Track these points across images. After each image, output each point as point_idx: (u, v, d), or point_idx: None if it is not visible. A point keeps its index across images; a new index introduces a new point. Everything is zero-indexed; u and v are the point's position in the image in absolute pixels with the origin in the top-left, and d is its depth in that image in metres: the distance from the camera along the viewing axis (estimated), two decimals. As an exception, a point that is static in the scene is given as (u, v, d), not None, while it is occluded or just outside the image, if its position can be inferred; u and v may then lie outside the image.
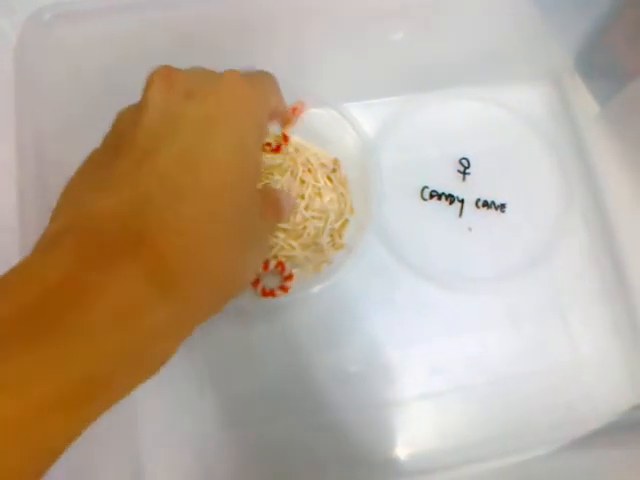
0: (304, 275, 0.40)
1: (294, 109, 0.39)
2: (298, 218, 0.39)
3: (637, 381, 0.41)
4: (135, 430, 0.38)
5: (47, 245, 0.22)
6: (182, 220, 0.22)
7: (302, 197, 0.40)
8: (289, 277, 0.39)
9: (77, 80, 0.36)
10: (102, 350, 0.19)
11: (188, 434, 0.38)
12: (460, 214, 0.43)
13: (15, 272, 0.20)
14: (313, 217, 0.40)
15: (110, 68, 0.36)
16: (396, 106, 0.45)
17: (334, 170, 0.42)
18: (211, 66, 0.28)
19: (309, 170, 0.41)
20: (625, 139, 0.43)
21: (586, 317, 0.42)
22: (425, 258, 0.41)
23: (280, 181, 0.39)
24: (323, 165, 0.41)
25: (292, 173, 0.40)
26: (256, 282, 0.39)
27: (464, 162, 0.44)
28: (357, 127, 0.41)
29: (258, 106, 0.26)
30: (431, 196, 0.43)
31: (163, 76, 0.25)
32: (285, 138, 0.39)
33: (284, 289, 0.39)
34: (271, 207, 0.31)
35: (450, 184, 0.43)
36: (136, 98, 0.28)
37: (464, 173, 0.44)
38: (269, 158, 0.40)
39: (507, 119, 0.45)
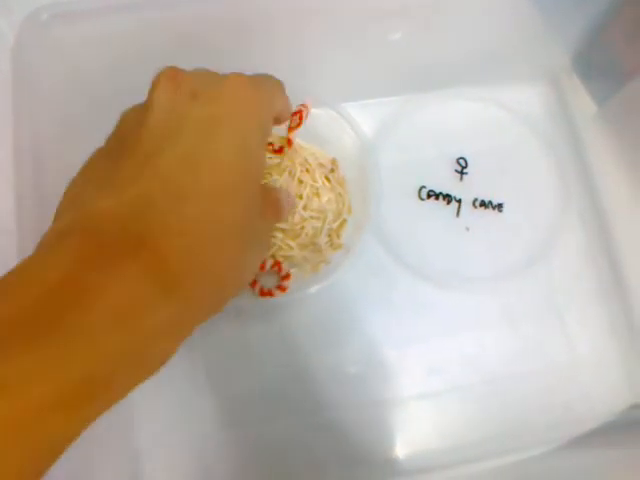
0: (302, 275, 0.40)
1: (299, 113, 0.39)
2: (296, 218, 0.39)
3: (634, 381, 0.41)
4: (134, 430, 0.38)
5: (48, 245, 0.22)
6: (184, 222, 0.22)
7: (300, 197, 0.40)
8: (286, 277, 0.39)
9: (75, 80, 0.36)
10: (102, 350, 0.19)
11: (187, 434, 0.38)
12: (457, 214, 0.43)
13: (16, 272, 0.20)
14: (311, 217, 0.40)
15: (108, 68, 0.36)
16: (394, 106, 0.45)
17: (332, 170, 0.42)
18: (209, 66, 0.27)
19: (307, 170, 0.41)
20: (623, 139, 0.43)
21: (583, 317, 0.42)
22: (423, 258, 0.41)
23: (278, 181, 0.39)
24: (321, 165, 0.41)
25: (290, 173, 0.40)
26: (254, 282, 0.39)
27: (461, 162, 0.44)
28: (355, 127, 0.41)
29: (262, 108, 0.26)
30: (429, 196, 0.43)
31: (169, 77, 0.25)
32: (289, 142, 0.39)
33: (282, 289, 0.39)
34: (271, 207, 0.31)
35: (447, 184, 0.43)
36: (134, 98, 0.28)
37: (461, 173, 0.44)
38: (268, 158, 0.40)
39: (505, 119, 0.45)
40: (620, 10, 0.41)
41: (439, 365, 0.40)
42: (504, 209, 0.43)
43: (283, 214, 0.33)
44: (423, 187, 0.43)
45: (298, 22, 0.40)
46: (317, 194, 0.40)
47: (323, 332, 0.40)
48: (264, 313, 0.40)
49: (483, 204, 0.43)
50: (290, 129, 0.38)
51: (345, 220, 0.41)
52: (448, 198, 0.43)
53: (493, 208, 0.43)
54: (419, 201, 0.43)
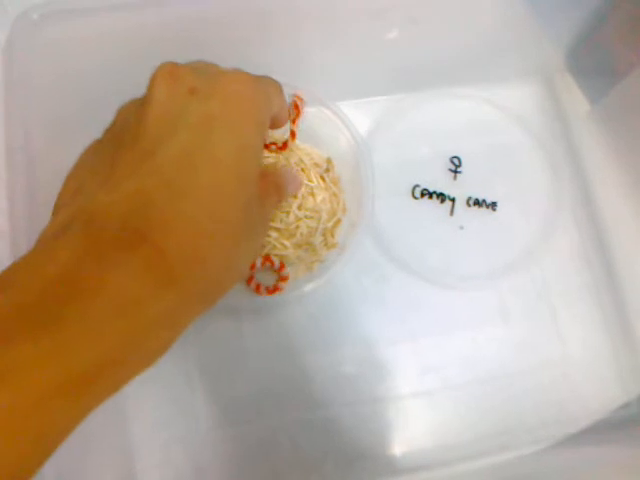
0: (296, 274, 0.40)
1: (293, 103, 0.39)
2: (291, 218, 0.39)
3: (626, 379, 0.41)
4: (127, 428, 0.38)
5: (49, 240, 0.22)
6: (181, 218, 0.22)
7: (295, 197, 0.40)
8: (284, 278, 0.39)
9: (67, 80, 0.36)
10: (104, 339, 0.20)
11: (180, 433, 0.38)
12: (451, 213, 0.43)
13: (18, 266, 0.21)
14: (306, 216, 0.40)
15: (100, 68, 0.36)
16: (388, 105, 0.45)
17: (327, 169, 0.42)
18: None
19: (302, 169, 0.41)
20: (616, 137, 0.43)
21: (576, 315, 0.42)
22: (417, 256, 0.42)
23: None
24: (316, 165, 0.42)
25: None
26: (250, 279, 0.39)
27: (455, 161, 0.44)
28: (350, 126, 0.41)
29: (260, 105, 0.26)
30: (422, 195, 0.43)
31: (167, 72, 0.25)
32: (292, 134, 0.39)
33: (278, 289, 0.39)
34: (270, 192, 0.31)
35: (441, 183, 0.44)
36: (127, 98, 0.28)
37: (455, 172, 0.44)
38: (265, 157, 0.40)
39: (498, 118, 0.45)
40: (613, 8, 0.41)
41: (433, 363, 0.40)
42: (498, 208, 0.43)
43: (283, 196, 0.34)
44: (417, 186, 0.43)
45: (293, 21, 0.40)
46: (312, 194, 0.41)
47: (317, 330, 0.40)
48: (258, 311, 0.40)
49: (477, 203, 0.43)
50: (292, 121, 0.38)
51: (340, 219, 0.41)
52: (442, 197, 0.43)
53: (487, 207, 0.43)
54: (413, 200, 0.43)
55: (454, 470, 0.38)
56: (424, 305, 0.41)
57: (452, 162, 0.44)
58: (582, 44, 0.44)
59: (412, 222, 0.43)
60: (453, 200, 0.43)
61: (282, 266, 0.39)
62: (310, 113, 0.41)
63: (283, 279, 0.39)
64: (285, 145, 0.39)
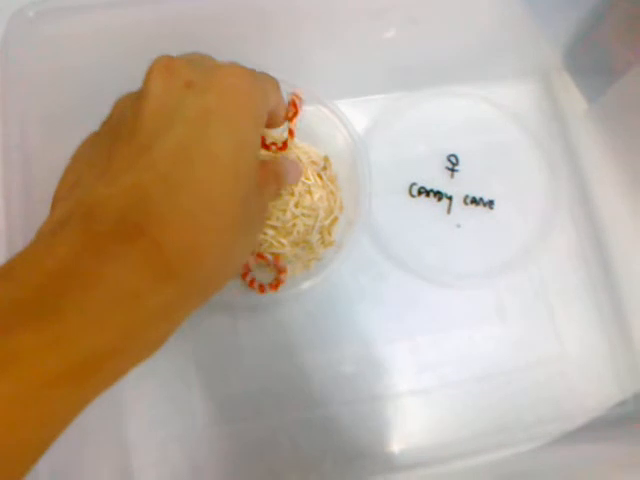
0: (293, 272, 0.40)
1: (292, 102, 0.39)
2: (288, 215, 0.39)
3: (623, 377, 0.41)
4: (123, 425, 0.38)
5: (49, 233, 0.22)
6: (178, 211, 0.22)
7: (292, 195, 0.40)
8: (282, 271, 0.39)
9: (63, 78, 0.36)
10: (104, 329, 0.20)
11: (177, 430, 0.38)
12: (448, 211, 0.43)
13: (18, 259, 0.21)
14: (303, 214, 0.40)
15: (96, 65, 0.36)
16: (386, 104, 0.45)
17: (324, 168, 0.42)
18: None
19: (299, 167, 0.41)
20: (613, 136, 0.43)
21: (573, 313, 0.42)
22: (414, 254, 0.42)
23: None
24: (313, 163, 0.42)
25: None
26: (245, 274, 0.39)
27: (452, 159, 0.44)
28: (347, 124, 0.41)
29: (256, 99, 0.26)
30: (419, 193, 0.43)
31: (164, 66, 0.25)
32: (290, 132, 0.39)
33: (274, 286, 0.39)
34: (269, 181, 0.31)
35: (438, 181, 0.44)
36: (124, 93, 0.28)
37: (452, 170, 0.44)
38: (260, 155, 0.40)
39: (496, 116, 0.45)
40: (611, 7, 0.41)
41: (430, 361, 0.40)
42: (495, 206, 0.43)
43: (283, 185, 0.34)
44: (414, 184, 0.43)
45: (292, 20, 0.39)
46: (309, 192, 0.40)
47: (314, 329, 0.40)
48: (255, 309, 0.40)
49: (474, 201, 0.43)
50: (290, 120, 0.37)
51: (337, 217, 0.41)
52: (439, 195, 0.43)
53: (484, 205, 0.43)
54: (410, 198, 0.43)
55: (452, 467, 0.39)
56: (421, 303, 0.41)
57: (449, 160, 0.44)
58: (579, 43, 0.44)
59: (409, 220, 0.43)
60: (450, 198, 0.43)
61: (279, 263, 0.39)
62: (308, 111, 0.41)
63: (281, 273, 0.39)
64: (285, 145, 0.39)
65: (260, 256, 0.39)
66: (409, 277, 0.41)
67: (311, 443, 0.38)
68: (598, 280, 0.43)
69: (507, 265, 0.42)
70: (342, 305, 0.41)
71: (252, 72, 0.27)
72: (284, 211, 0.39)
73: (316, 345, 0.40)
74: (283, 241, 0.39)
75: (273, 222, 0.39)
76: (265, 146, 0.38)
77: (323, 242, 0.40)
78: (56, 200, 0.25)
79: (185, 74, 0.25)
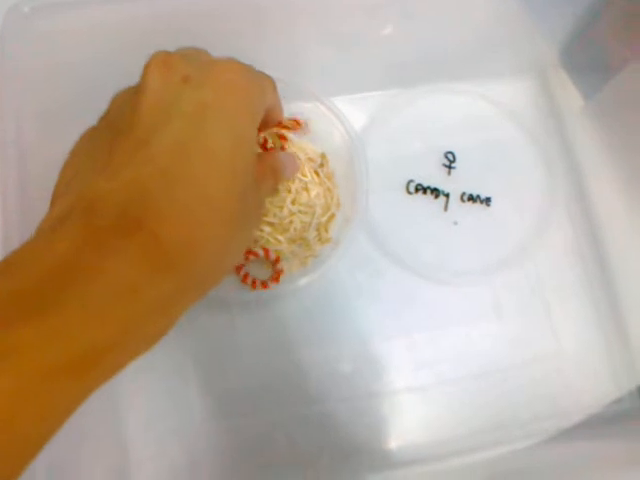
0: (290, 269, 0.40)
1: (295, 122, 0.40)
2: (284, 212, 0.39)
3: (619, 374, 0.41)
4: (121, 420, 0.38)
5: (49, 228, 0.22)
6: (176, 206, 0.23)
7: (289, 192, 0.40)
8: (278, 273, 0.39)
9: (59, 73, 0.36)
10: (104, 322, 0.20)
11: (174, 425, 0.38)
12: (445, 208, 0.43)
13: (19, 253, 0.21)
14: (300, 211, 0.40)
15: (92, 61, 0.36)
16: (383, 100, 0.45)
17: (321, 164, 0.42)
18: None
19: (296, 165, 0.41)
20: (610, 133, 0.43)
21: (570, 310, 0.42)
22: (411, 252, 0.42)
23: None
24: (310, 160, 0.42)
25: None
26: (239, 268, 0.39)
27: (449, 156, 0.44)
28: (344, 121, 0.41)
29: (253, 95, 0.27)
30: (417, 190, 0.43)
31: (161, 61, 0.25)
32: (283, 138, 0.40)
33: (271, 283, 0.39)
34: (267, 176, 0.32)
35: (435, 178, 0.44)
36: (120, 88, 0.28)
37: (449, 167, 0.44)
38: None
39: (492, 113, 0.45)
40: (607, 4, 0.41)
41: (427, 358, 0.40)
42: (492, 203, 0.43)
43: (280, 180, 0.34)
44: (411, 181, 0.43)
45: (288, 17, 0.39)
46: (306, 189, 0.40)
47: (311, 325, 0.40)
48: (252, 305, 0.40)
49: (471, 198, 0.43)
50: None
51: (334, 214, 0.41)
52: (436, 192, 0.43)
53: (481, 202, 0.43)
54: (407, 195, 0.43)
55: (448, 464, 0.39)
56: (418, 300, 0.41)
57: (446, 157, 0.44)
58: (576, 40, 0.44)
59: (406, 217, 0.43)
60: (447, 195, 0.43)
61: (277, 259, 0.39)
62: (305, 108, 0.41)
63: (277, 273, 0.39)
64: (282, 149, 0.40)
65: (250, 252, 0.39)
66: (406, 274, 0.41)
67: (308, 439, 0.38)
68: (594, 277, 0.43)
69: (504, 262, 0.42)
70: (339, 302, 0.41)
71: (249, 68, 0.27)
72: (281, 208, 0.39)
73: (313, 341, 0.40)
74: (280, 238, 0.39)
75: (270, 219, 0.39)
76: (264, 149, 0.39)
77: (320, 239, 0.40)
78: (55, 196, 0.25)
79: (182, 69, 0.25)
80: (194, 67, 0.25)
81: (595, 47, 0.42)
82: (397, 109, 0.45)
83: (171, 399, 0.39)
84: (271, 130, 0.40)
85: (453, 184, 0.43)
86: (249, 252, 0.38)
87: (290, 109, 0.40)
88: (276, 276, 0.39)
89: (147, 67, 0.25)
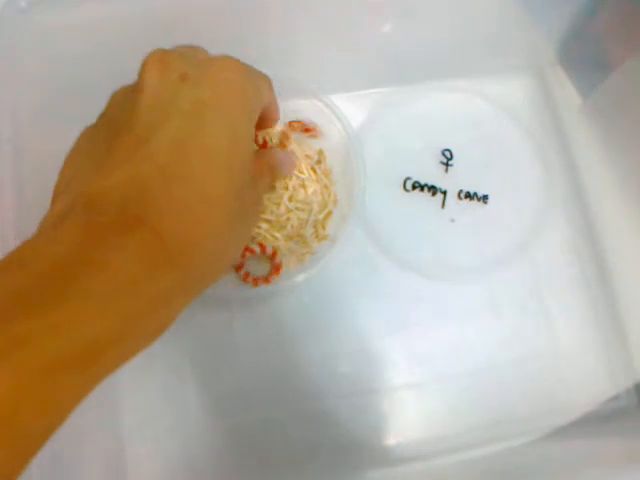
0: (287, 266, 0.40)
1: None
2: (281, 209, 0.39)
3: (616, 371, 0.41)
4: (118, 418, 0.38)
5: (51, 226, 0.23)
6: (175, 203, 0.23)
7: (286, 189, 0.40)
8: (277, 268, 0.39)
9: (56, 69, 0.36)
10: (106, 315, 0.20)
11: (171, 424, 0.38)
12: (443, 205, 0.43)
13: (22, 249, 0.21)
14: (297, 208, 0.40)
15: (89, 56, 0.36)
16: (380, 98, 0.45)
17: (319, 161, 0.42)
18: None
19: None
20: (607, 130, 0.43)
21: (566, 307, 0.42)
22: (408, 249, 0.42)
23: None
24: (308, 156, 0.41)
25: None
26: (239, 268, 0.39)
27: (447, 154, 0.44)
28: (342, 118, 0.41)
29: (250, 94, 0.27)
30: (414, 187, 0.43)
31: (158, 59, 0.25)
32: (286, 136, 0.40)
33: (274, 272, 0.39)
34: (264, 173, 0.32)
35: (433, 175, 0.44)
36: (116, 86, 0.28)
37: (447, 164, 0.44)
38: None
39: (490, 111, 0.45)
40: (603, 2, 0.41)
41: (424, 355, 0.40)
42: (489, 201, 0.43)
43: (277, 177, 0.34)
44: (408, 178, 0.43)
45: (287, 13, 0.39)
46: (303, 185, 0.40)
47: (308, 322, 0.40)
48: (249, 302, 0.40)
49: (468, 196, 0.43)
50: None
51: (331, 211, 0.41)
52: (433, 189, 0.43)
53: (478, 200, 0.43)
54: (404, 192, 0.43)
55: (446, 461, 0.39)
56: (415, 297, 0.41)
57: (444, 155, 0.44)
58: (573, 38, 0.44)
59: (403, 215, 0.43)
60: (444, 193, 0.43)
61: (274, 253, 0.39)
62: (302, 105, 0.41)
63: (277, 267, 0.39)
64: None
65: (246, 250, 0.39)
66: (403, 271, 0.41)
67: (306, 436, 0.39)
68: (591, 275, 0.43)
69: (501, 259, 0.42)
70: (336, 299, 0.41)
71: (245, 66, 0.27)
72: (278, 205, 0.39)
73: (310, 338, 0.40)
74: (277, 235, 0.39)
75: (267, 216, 0.39)
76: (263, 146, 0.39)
77: (317, 236, 0.40)
78: (56, 194, 0.25)
79: (180, 67, 0.25)
80: (191, 65, 0.26)
81: (592, 45, 0.42)
82: (395, 106, 0.45)
83: (168, 397, 0.39)
84: (285, 130, 0.40)
85: (450, 181, 0.43)
86: (246, 249, 0.38)
87: (288, 106, 0.40)
88: (276, 270, 0.39)
89: (144, 65, 0.25)
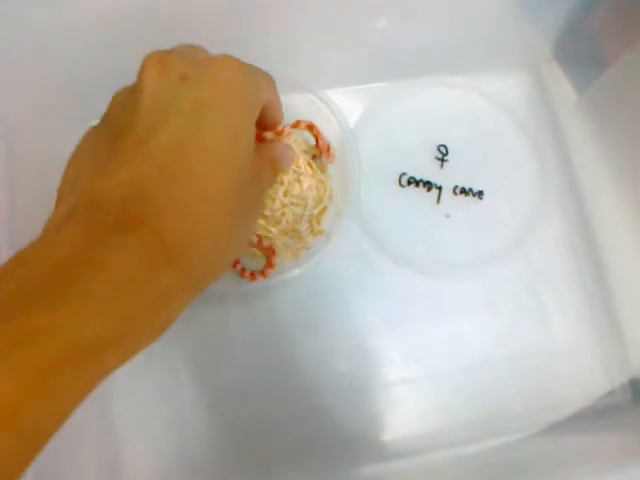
0: (282, 261, 0.40)
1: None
2: (276, 204, 0.39)
3: (611, 367, 0.41)
4: (112, 416, 0.38)
5: (55, 227, 0.23)
6: (175, 203, 0.23)
7: (281, 183, 0.40)
8: (269, 249, 0.39)
9: (51, 67, 0.36)
10: (108, 313, 0.21)
11: (167, 421, 0.38)
12: (438, 201, 0.43)
13: (28, 250, 0.22)
14: (292, 203, 0.40)
15: (86, 54, 0.36)
16: (376, 93, 0.45)
17: (314, 156, 0.42)
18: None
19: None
20: (603, 126, 0.43)
21: (562, 303, 0.42)
22: (403, 244, 0.42)
23: None
24: (304, 152, 0.41)
25: None
26: (235, 264, 0.39)
27: (442, 149, 0.44)
28: (337, 114, 0.41)
29: (250, 92, 0.27)
30: (409, 183, 0.43)
31: (156, 60, 0.25)
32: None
33: (269, 265, 0.39)
34: (266, 168, 0.32)
35: (428, 171, 0.44)
36: (118, 86, 0.28)
37: (442, 160, 0.44)
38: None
39: (486, 107, 0.45)
40: (600, -1, 0.41)
41: (419, 351, 0.40)
42: (484, 196, 0.43)
43: (279, 170, 0.34)
44: (404, 174, 0.43)
45: (284, 9, 0.39)
46: (298, 180, 0.40)
47: (303, 318, 0.40)
48: (245, 297, 0.40)
49: (463, 191, 0.43)
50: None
51: (326, 207, 0.41)
52: (429, 185, 0.43)
53: (473, 195, 0.43)
54: (400, 188, 0.43)
55: (441, 456, 0.39)
56: (410, 293, 0.41)
57: (439, 150, 0.44)
58: (569, 34, 0.44)
59: (399, 210, 0.43)
60: (440, 188, 0.43)
61: (272, 250, 0.39)
62: (298, 100, 0.41)
63: (269, 252, 0.39)
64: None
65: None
66: (398, 267, 0.41)
67: (302, 432, 0.39)
68: (587, 271, 0.43)
69: (496, 255, 0.42)
70: (331, 294, 0.41)
71: (244, 65, 0.27)
72: (273, 200, 0.39)
73: (306, 334, 0.40)
74: (272, 230, 0.39)
75: (262, 211, 0.39)
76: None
77: (312, 231, 0.40)
78: (60, 196, 0.26)
79: (179, 67, 0.25)
80: (191, 65, 0.26)
81: (588, 41, 0.42)
82: (390, 102, 0.45)
83: (163, 393, 0.39)
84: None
85: (446, 177, 0.43)
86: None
87: (283, 101, 0.40)
88: (271, 264, 0.39)
89: (143, 66, 0.26)
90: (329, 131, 0.41)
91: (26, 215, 0.24)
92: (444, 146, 0.44)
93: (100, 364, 0.21)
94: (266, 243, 0.39)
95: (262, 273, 0.39)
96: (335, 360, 0.40)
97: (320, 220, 0.41)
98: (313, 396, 0.39)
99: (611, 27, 0.40)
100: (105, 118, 0.27)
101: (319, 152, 0.40)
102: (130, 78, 0.26)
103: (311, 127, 0.39)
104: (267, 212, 0.39)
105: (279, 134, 0.39)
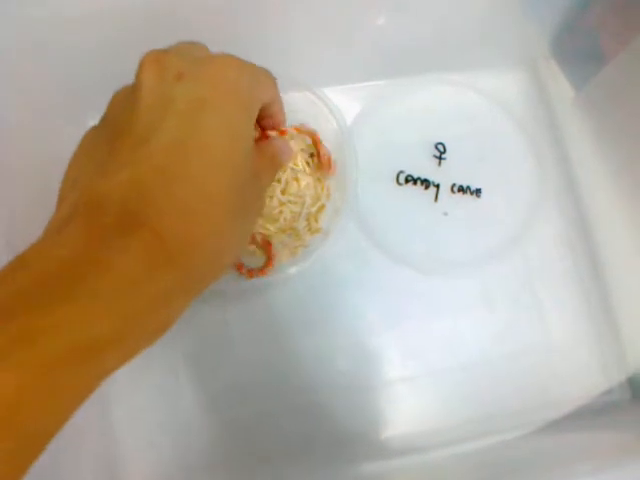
0: (280, 259, 0.40)
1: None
2: (274, 202, 0.39)
3: (609, 365, 0.41)
4: (111, 414, 0.38)
5: (57, 229, 0.23)
6: (175, 203, 0.23)
7: (279, 181, 0.40)
8: (267, 245, 0.39)
9: (49, 65, 0.36)
10: (109, 313, 0.21)
11: (165, 419, 0.38)
12: (436, 199, 0.43)
13: (30, 251, 0.22)
14: (289, 201, 0.40)
15: (85, 53, 0.36)
16: (373, 91, 0.45)
17: (312, 155, 0.42)
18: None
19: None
20: (600, 123, 0.43)
21: (559, 301, 0.42)
22: (401, 242, 0.42)
23: None
24: (302, 150, 0.41)
25: None
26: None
27: (440, 147, 0.44)
28: (335, 112, 0.41)
29: (248, 91, 0.27)
30: (407, 181, 0.43)
31: (154, 60, 0.25)
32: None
33: (263, 271, 0.39)
34: (266, 165, 0.32)
35: (426, 169, 0.44)
36: (117, 86, 0.28)
37: (440, 158, 0.44)
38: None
39: (483, 105, 0.45)
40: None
41: (417, 349, 0.41)
42: (482, 194, 0.43)
43: (279, 166, 0.34)
44: (401, 172, 0.43)
45: (281, 6, 0.39)
46: (296, 178, 0.40)
47: (301, 316, 0.40)
48: (243, 295, 0.40)
49: (461, 189, 0.43)
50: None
51: (323, 205, 0.41)
52: (426, 183, 0.43)
53: (471, 193, 0.43)
54: (397, 186, 0.43)
55: (440, 454, 0.39)
56: (408, 291, 0.41)
57: (437, 148, 0.44)
58: (566, 31, 0.44)
59: (396, 208, 0.43)
60: (437, 186, 0.43)
61: (270, 246, 0.39)
62: (296, 98, 0.41)
63: (268, 247, 0.39)
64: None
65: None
66: (395, 264, 0.41)
67: (300, 429, 0.39)
68: (584, 268, 0.43)
69: (494, 253, 0.42)
70: (328, 292, 0.41)
71: (244, 63, 0.27)
72: (271, 198, 0.39)
73: (304, 331, 0.40)
74: (270, 228, 0.39)
75: (260, 209, 0.39)
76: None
77: (310, 229, 0.40)
78: (61, 198, 0.25)
79: (176, 66, 0.25)
80: (188, 63, 0.25)
81: (585, 38, 0.42)
82: (388, 100, 0.45)
83: (161, 391, 0.39)
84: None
85: (443, 175, 0.43)
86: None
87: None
88: (270, 261, 0.39)
89: (141, 66, 0.25)
90: (327, 129, 0.41)
91: (26, 215, 0.24)
92: (442, 144, 0.44)
93: (100, 364, 0.21)
94: (262, 239, 0.39)
95: (261, 271, 0.39)
96: (333, 358, 0.40)
97: (318, 218, 0.41)
98: (312, 394, 0.39)
99: (608, 24, 0.40)
100: (105, 118, 0.27)
101: (319, 163, 0.40)
102: (130, 78, 0.26)
103: (314, 138, 0.39)
104: (265, 210, 0.39)
105: (282, 134, 0.39)
